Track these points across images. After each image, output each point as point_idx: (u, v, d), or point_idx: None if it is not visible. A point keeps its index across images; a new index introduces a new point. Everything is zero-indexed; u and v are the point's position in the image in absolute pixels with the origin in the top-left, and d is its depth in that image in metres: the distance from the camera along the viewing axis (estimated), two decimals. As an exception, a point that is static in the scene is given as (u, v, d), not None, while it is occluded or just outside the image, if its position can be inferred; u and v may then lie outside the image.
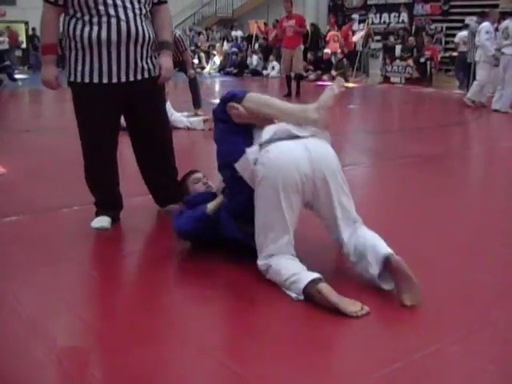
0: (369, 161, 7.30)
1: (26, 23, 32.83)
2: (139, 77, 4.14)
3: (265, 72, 24.27)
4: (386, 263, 3.15)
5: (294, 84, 14.90)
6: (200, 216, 3.71)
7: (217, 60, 27.11)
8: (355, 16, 24.04)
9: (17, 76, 21.78)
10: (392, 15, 23.33)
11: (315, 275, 3.09)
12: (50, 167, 6.56)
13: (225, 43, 27.69)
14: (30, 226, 4.54)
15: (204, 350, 2.64)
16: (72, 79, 4.07)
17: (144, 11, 4.09)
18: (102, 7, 3.88)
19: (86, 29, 3.89)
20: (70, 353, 2.66)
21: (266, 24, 26.89)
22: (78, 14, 3.91)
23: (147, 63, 4.18)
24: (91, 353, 2.70)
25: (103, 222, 4.36)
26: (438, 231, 4.40)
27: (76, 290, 3.41)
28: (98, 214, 4.44)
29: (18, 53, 27.93)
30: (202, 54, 27.44)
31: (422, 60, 18.93)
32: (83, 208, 4.72)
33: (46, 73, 4.09)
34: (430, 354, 2.59)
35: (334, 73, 19.83)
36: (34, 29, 31.48)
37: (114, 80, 4.04)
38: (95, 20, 3.88)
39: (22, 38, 32.81)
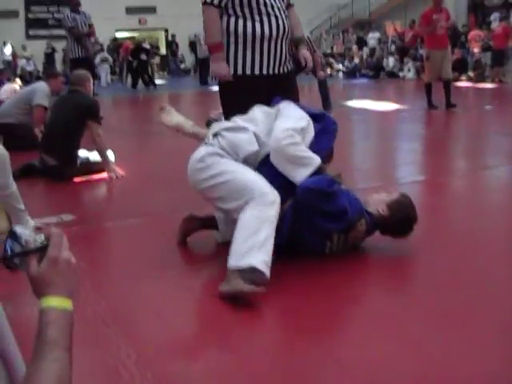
0: (507, 164, 6.78)
1: (166, 30, 33.72)
2: (286, 70, 4.47)
3: (401, 74, 23.78)
4: None
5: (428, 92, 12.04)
6: None
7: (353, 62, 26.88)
8: (495, 14, 23.07)
9: (156, 81, 22.52)
10: (535, 12, 22.27)
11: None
12: (170, 171, 6.49)
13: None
14: (140, 230, 4.51)
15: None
16: (232, 72, 4.32)
17: (286, 11, 4.43)
18: (263, 7, 4.22)
19: (249, 25, 4.23)
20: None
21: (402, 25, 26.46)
22: (239, 13, 4.24)
23: (290, 58, 4.50)
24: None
25: None
26: None
27: (170, 300, 3.24)
28: None
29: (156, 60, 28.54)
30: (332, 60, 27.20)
31: None
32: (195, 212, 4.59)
33: (219, 67, 4.31)
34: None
35: (471, 73, 19.10)
36: (173, 35, 32.30)
37: (270, 72, 4.36)
38: (257, 18, 4.23)
39: (162, 44, 33.85)
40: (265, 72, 4.32)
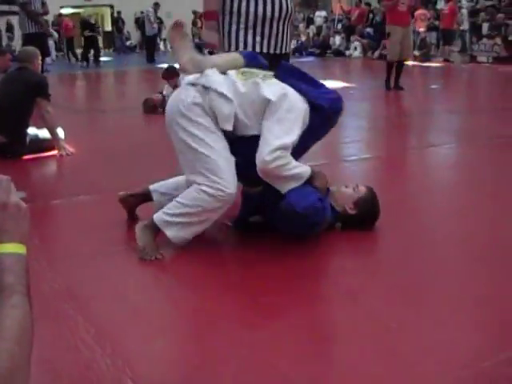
0: (451, 142, 6.93)
1: (111, 7, 33.36)
2: (283, 51, 4.48)
3: (347, 52, 23.94)
4: None
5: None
6: None
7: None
8: (442, -6, 23.34)
9: (102, 58, 22.36)
10: (481, -8, 22.55)
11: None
12: (118, 148, 6.55)
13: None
14: (91, 207, 4.50)
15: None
16: (233, 49, 4.32)
17: None
18: None
19: (252, 4, 4.22)
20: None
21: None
22: None
23: (288, 39, 4.54)
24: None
25: None
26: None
27: (126, 274, 3.27)
28: None
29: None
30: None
31: (511, 38, 18.20)
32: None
33: (210, 35, 4.37)
34: (504, 360, 2.32)
35: (417, 53, 19.30)
36: (119, 12, 31.95)
37: (271, 51, 4.36)
38: None
39: (108, 20, 33.52)
40: (265, 51, 4.30)
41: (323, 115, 3.44)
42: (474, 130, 7.56)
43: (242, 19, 4.24)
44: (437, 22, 21.62)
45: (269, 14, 4.22)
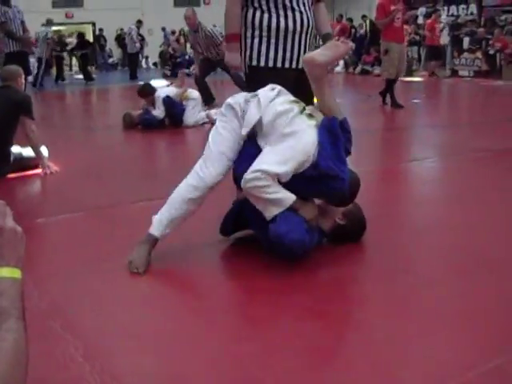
0: (434, 156, 6.99)
1: (93, 24, 33.32)
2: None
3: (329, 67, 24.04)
4: None
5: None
6: None
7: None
8: (422, 9, 23.52)
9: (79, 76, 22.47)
10: (460, 7, 22.73)
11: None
12: (102, 165, 6.62)
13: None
14: (76, 225, 4.51)
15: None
16: (255, 64, 4.35)
17: (311, 6, 4.45)
18: (288, 2, 4.27)
19: (274, 20, 4.27)
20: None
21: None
22: (264, 7, 4.28)
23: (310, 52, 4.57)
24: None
25: None
26: (506, 232, 4.11)
27: (113, 291, 3.27)
28: None
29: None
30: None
31: (492, 52, 18.37)
32: (132, 206, 4.61)
33: (233, 57, 4.42)
34: (488, 371, 2.35)
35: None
36: (100, 29, 31.95)
37: (293, 65, 4.37)
38: (282, 13, 4.27)
39: (90, 38, 33.48)
40: (287, 65, 4.33)
41: (316, 174, 3.36)
42: (456, 143, 7.63)
43: (265, 33, 4.27)
44: (418, 37, 21.80)
45: (290, 28, 4.24)
